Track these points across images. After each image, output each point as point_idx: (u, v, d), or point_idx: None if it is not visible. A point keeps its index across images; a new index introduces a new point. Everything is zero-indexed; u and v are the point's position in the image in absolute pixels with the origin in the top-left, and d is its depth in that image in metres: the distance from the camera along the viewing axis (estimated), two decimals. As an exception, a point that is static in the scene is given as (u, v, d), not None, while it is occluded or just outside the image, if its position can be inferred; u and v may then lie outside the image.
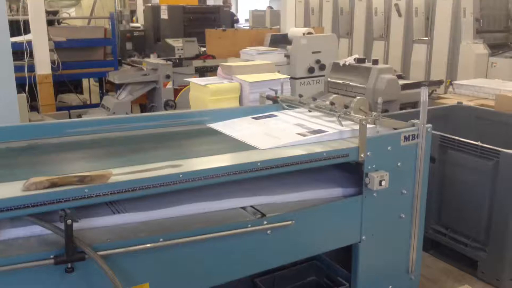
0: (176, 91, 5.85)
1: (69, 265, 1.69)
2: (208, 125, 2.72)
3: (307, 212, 2.22)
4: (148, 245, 1.82)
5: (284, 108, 2.97)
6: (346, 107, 2.59)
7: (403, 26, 9.71)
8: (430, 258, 3.46)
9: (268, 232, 2.11)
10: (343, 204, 2.34)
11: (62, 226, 1.69)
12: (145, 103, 6.56)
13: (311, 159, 2.18)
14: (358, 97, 2.72)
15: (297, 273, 2.68)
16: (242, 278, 2.31)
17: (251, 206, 2.19)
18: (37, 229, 1.77)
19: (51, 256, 1.66)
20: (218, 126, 2.67)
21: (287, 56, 6.47)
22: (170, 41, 7.70)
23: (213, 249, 2.01)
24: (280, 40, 7.17)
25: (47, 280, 1.69)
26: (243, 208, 2.19)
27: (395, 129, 2.47)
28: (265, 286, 2.51)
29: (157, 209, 2.02)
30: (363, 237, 2.40)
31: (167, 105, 5.67)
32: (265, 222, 2.09)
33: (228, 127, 2.62)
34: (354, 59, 4.92)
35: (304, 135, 2.39)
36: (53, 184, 1.71)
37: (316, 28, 8.80)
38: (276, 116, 2.81)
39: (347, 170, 2.49)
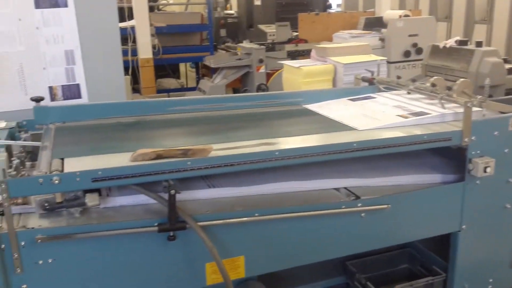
0: (269, 75, 5.92)
1: (171, 233, 1.78)
2: (303, 105, 2.72)
3: (404, 197, 2.15)
4: (245, 218, 1.87)
5: (380, 90, 2.88)
6: (449, 89, 2.46)
7: (510, 7, 8.95)
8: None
9: (362, 215, 2.07)
10: (443, 191, 2.24)
11: (165, 196, 1.78)
12: (239, 87, 6.71)
13: (411, 142, 2.10)
14: (461, 79, 2.58)
15: (389, 259, 2.62)
16: (333, 259, 2.30)
17: (345, 188, 2.17)
18: (142, 198, 1.88)
19: (155, 224, 1.76)
20: (313, 107, 2.66)
21: (381, 39, 6.27)
22: (262, 27, 7.78)
23: (305, 228, 2.01)
24: (375, 23, 6.95)
25: (150, 246, 1.80)
26: (337, 189, 2.17)
27: (502, 113, 2.30)
28: (356, 270, 2.48)
29: (251, 185, 2.06)
30: (463, 226, 2.28)
31: (260, 89, 5.75)
32: (359, 205, 2.06)
33: (325, 108, 2.60)
34: (456, 41, 4.65)
35: (405, 117, 2.31)
36: (159, 156, 1.81)
37: (413, 11, 8.41)
38: (373, 98, 2.74)
39: (445, 155, 2.38)
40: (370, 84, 2.96)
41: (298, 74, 3.31)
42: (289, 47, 6.42)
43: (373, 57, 3.44)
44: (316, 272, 2.50)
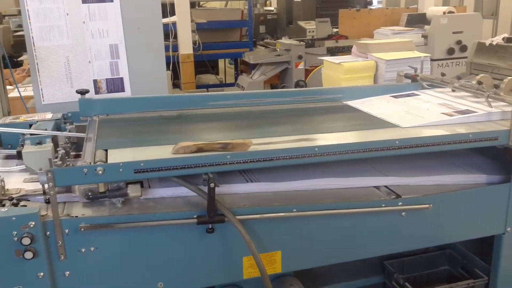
0: (307, 72, 5.89)
1: (210, 226, 1.80)
2: (344, 102, 2.69)
3: (446, 197, 2.09)
4: (282, 214, 1.87)
5: (423, 88, 2.82)
6: (496, 87, 2.37)
7: None
8: None
9: (403, 214, 2.03)
10: (487, 192, 2.17)
11: (204, 189, 1.80)
12: (277, 83, 6.70)
13: (456, 141, 2.04)
14: (509, 77, 2.48)
15: (429, 260, 2.56)
16: (371, 258, 2.27)
17: (385, 186, 2.13)
18: (182, 191, 1.91)
19: (194, 216, 1.78)
20: (355, 103, 2.63)
21: (424, 36, 6.13)
22: (302, 23, 7.75)
23: (344, 226, 1.99)
24: (417, 20, 6.80)
25: (189, 238, 1.82)
26: (377, 187, 2.13)
27: (553, 113, 2.20)
28: (394, 270, 2.43)
29: (288, 181, 2.06)
30: (508, 229, 2.20)
31: (298, 85, 5.73)
32: (400, 204, 2.02)
33: (366, 105, 2.57)
34: (503, 39, 4.48)
35: (450, 115, 2.24)
36: (199, 149, 1.83)
37: (457, 7, 8.18)
38: (417, 95, 2.68)
39: (489, 155, 2.30)
40: (413, 81, 2.89)
41: (338, 70, 3.27)
42: (329, 43, 6.37)
43: (416, 53, 3.36)
44: (353, 270, 2.47)
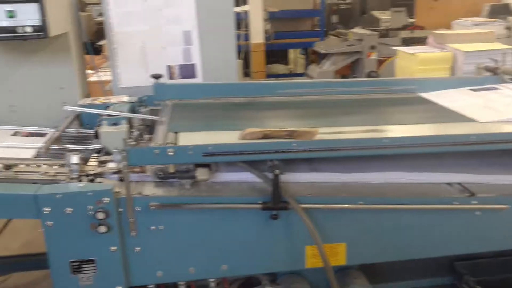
0: (380, 63, 5.73)
1: (274, 212, 1.80)
2: (418, 94, 2.59)
3: (527, 198, 1.97)
4: (349, 205, 1.84)
5: (505, 81, 2.65)
6: None
7: None
8: None
9: (477, 213, 1.93)
10: None
11: (269, 176, 1.80)
12: (347, 74, 6.58)
13: (539, 138, 1.91)
14: None
15: (503, 264, 2.41)
16: (440, 258, 2.18)
17: (458, 183, 2.03)
18: (247, 176, 1.92)
19: (259, 202, 1.79)
20: (429, 95, 2.53)
21: (508, 28, 5.74)
22: (376, 13, 7.52)
23: (413, 222, 1.93)
24: (500, 11, 6.39)
25: (254, 223, 1.84)
26: (449, 184, 2.04)
27: None
28: (465, 272, 2.32)
29: (354, 172, 2.01)
30: None
31: (370, 76, 5.60)
32: (474, 202, 1.92)
33: (442, 97, 2.46)
34: None
35: (533, 111, 2.11)
36: (265, 136, 1.84)
37: (548, -3, 7.59)
38: (497, 89, 2.53)
39: None
40: (494, 75, 2.73)
41: (413, 61, 3.16)
42: (404, 33, 6.16)
43: (498, 45, 3.17)
44: (419, 269, 2.38)
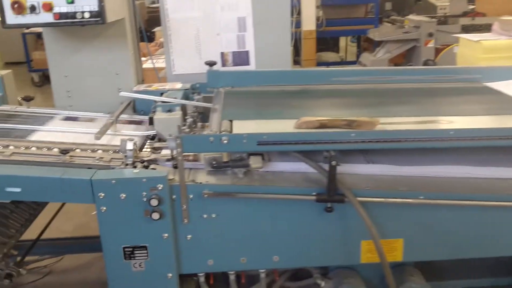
0: (437, 51, 5.49)
1: (329, 205, 1.75)
2: (483, 83, 2.44)
3: None
4: (409, 200, 1.75)
5: None
6: None
7: None
8: None
9: (547, 212, 1.80)
10: None
11: (325, 167, 1.74)
12: (400, 62, 6.36)
13: None
14: None
15: None
16: (503, 257, 2.06)
17: (527, 180, 1.89)
18: (301, 166, 1.87)
19: (314, 193, 1.74)
20: (497, 85, 2.37)
21: None
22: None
23: (475, 219, 1.83)
24: None
25: (307, 215, 1.79)
26: (515, 179, 1.91)
27: None
28: (529, 274, 2.19)
29: (414, 165, 1.91)
30: None
31: (426, 65, 5.38)
32: (544, 200, 1.79)
33: (511, 87, 2.30)
34: None
35: None
36: (322, 125, 1.78)
37: None
38: None
39: None
40: None
41: (477, 49, 2.99)
42: (464, 20, 5.87)
43: None
44: (480, 268, 2.27)
